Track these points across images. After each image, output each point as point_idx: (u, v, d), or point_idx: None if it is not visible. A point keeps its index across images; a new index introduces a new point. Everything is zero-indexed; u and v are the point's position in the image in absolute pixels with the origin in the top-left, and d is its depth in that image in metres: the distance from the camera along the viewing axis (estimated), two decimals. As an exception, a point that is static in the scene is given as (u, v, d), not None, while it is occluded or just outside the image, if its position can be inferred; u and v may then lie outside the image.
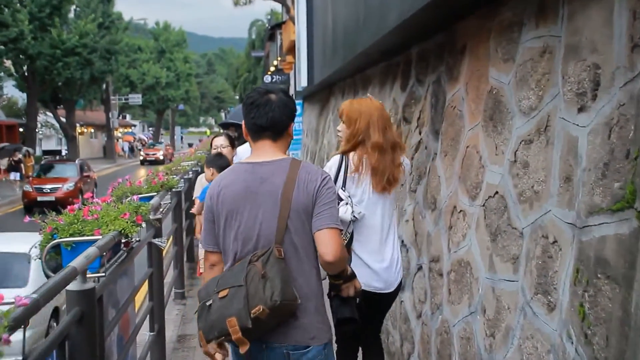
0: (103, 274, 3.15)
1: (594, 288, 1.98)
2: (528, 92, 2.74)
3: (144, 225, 4.02)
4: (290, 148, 2.72)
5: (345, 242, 3.16)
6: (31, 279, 6.82)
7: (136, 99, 48.49)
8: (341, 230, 2.42)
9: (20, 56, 28.48)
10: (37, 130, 34.74)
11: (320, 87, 11.81)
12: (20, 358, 1.93)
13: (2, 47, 26.15)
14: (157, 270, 4.71)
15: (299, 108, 15.85)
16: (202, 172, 5.96)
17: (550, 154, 2.48)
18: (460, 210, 3.47)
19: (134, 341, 4.08)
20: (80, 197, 15.93)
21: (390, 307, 3.51)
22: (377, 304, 3.33)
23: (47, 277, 3.31)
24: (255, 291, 2.17)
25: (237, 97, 73.31)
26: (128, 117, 67.69)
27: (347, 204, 3.13)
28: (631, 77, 1.93)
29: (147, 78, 53.30)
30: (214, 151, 5.57)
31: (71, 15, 34.29)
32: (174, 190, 6.01)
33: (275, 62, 33.07)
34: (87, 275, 2.82)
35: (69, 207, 3.43)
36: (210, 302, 2.28)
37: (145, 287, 4.73)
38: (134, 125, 70.79)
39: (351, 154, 3.26)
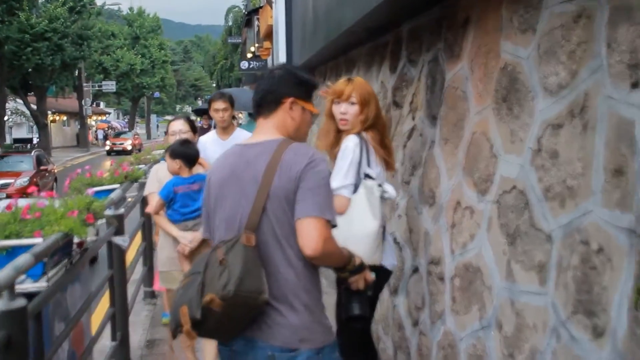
0: (45, 284, 2.64)
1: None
2: (556, 66, 2.27)
3: (99, 223, 3.53)
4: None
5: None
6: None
7: (110, 86, 47.31)
8: (329, 220, 2.04)
9: (-13, 41, 27.51)
10: (6, 118, 33.76)
11: (300, 72, 11.27)
12: None
13: (-33, 31, 25.18)
14: (118, 272, 4.19)
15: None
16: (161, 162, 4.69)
17: (590, 141, 2.02)
18: (467, 207, 3.01)
19: (90, 355, 3.57)
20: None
21: None
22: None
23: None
24: (211, 279, 1.97)
25: (214, 85, 72.56)
26: (102, 104, 66.50)
27: (380, 184, 3.09)
28: None
29: (121, 65, 52.29)
30: (171, 138, 4.48)
31: (41, -2, 33.32)
32: (140, 181, 5.48)
33: (252, 49, 32.44)
34: (20, 288, 2.32)
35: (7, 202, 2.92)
36: None
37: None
38: (109, 113, 69.61)
39: (364, 134, 3.15)
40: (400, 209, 4.10)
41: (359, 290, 2.31)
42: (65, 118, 49.52)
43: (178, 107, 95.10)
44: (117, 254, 4.19)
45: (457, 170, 3.19)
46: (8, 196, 15.29)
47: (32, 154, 18.62)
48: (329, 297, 2.83)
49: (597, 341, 1.86)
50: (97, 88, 48.05)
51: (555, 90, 2.27)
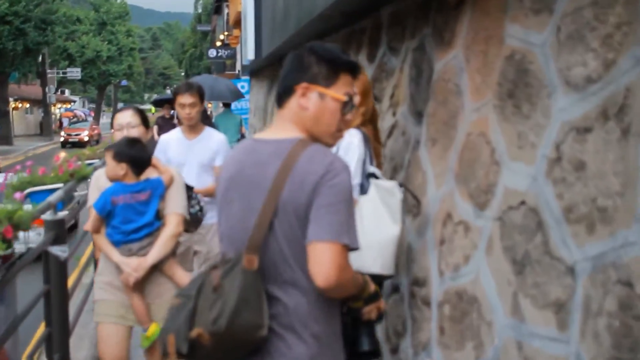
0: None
1: None
2: (584, 55, 1.81)
3: (30, 233, 3.02)
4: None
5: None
6: None
7: (75, 73, 46.05)
8: (347, 244, 1.68)
9: (-57, 23, 26.42)
10: (-36, 104, 32.64)
11: (269, 61, 10.73)
12: None
13: None
14: (57, 287, 3.65)
15: (245, 85, 14.70)
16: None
17: (633, 151, 1.57)
18: (460, 222, 2.55)
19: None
20: None
21: None
22: None
23: None
24: (202, 309, 1.69)
25: (183, 74, 71.49)
26: (67, 92, 64.91)
27: (401, 184, 2.91)
28: None
29: (87, 51, 50.91)
30: (117, 134, 3.30)
31: (1, -20, 32.12)
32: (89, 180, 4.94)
33: (221, 37, 31.75)
34: None
35: None
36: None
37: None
38: (74, 101, 67.99)
39: (363, 130, 2.92)
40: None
41: (370, 320, 1.95)
42: (28, 105, 48.07)
43: (146, 95, 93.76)
44: (55, 267, 3.64)
45: (447, 177, 2.74)
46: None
47: None
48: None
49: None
50: (61, 75, 46.79)
51: (581, 84, 1.82)
